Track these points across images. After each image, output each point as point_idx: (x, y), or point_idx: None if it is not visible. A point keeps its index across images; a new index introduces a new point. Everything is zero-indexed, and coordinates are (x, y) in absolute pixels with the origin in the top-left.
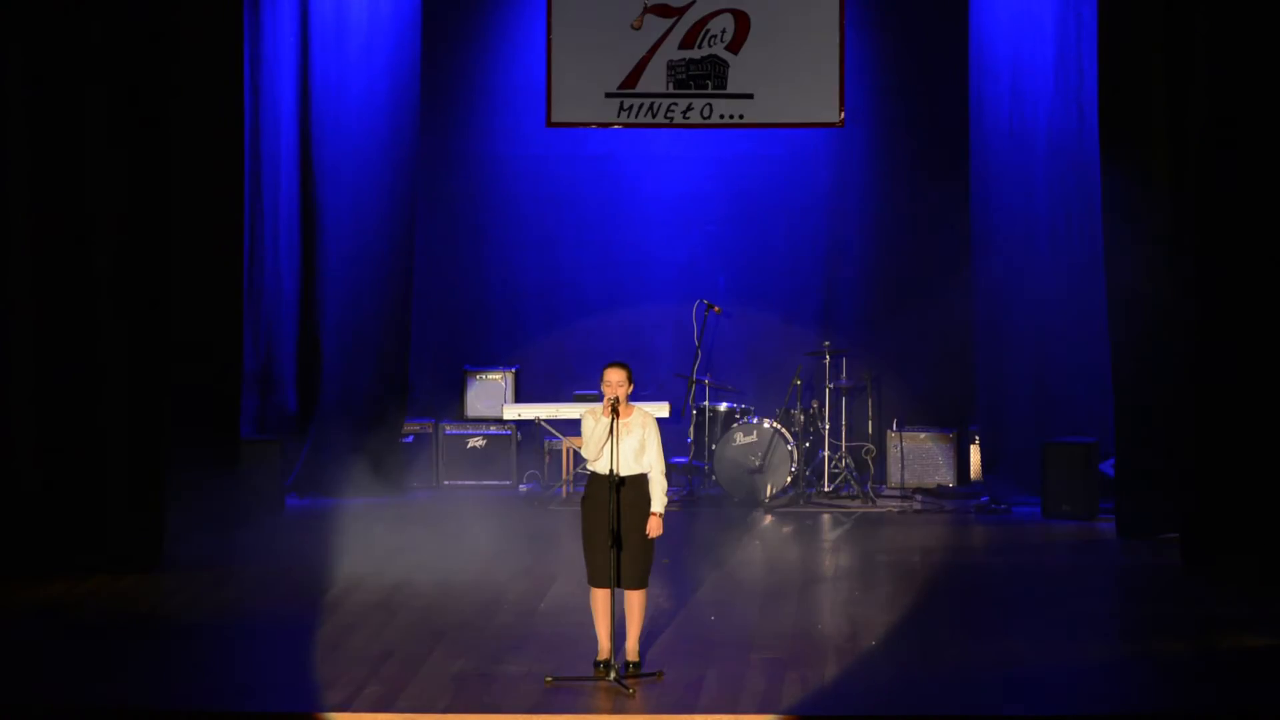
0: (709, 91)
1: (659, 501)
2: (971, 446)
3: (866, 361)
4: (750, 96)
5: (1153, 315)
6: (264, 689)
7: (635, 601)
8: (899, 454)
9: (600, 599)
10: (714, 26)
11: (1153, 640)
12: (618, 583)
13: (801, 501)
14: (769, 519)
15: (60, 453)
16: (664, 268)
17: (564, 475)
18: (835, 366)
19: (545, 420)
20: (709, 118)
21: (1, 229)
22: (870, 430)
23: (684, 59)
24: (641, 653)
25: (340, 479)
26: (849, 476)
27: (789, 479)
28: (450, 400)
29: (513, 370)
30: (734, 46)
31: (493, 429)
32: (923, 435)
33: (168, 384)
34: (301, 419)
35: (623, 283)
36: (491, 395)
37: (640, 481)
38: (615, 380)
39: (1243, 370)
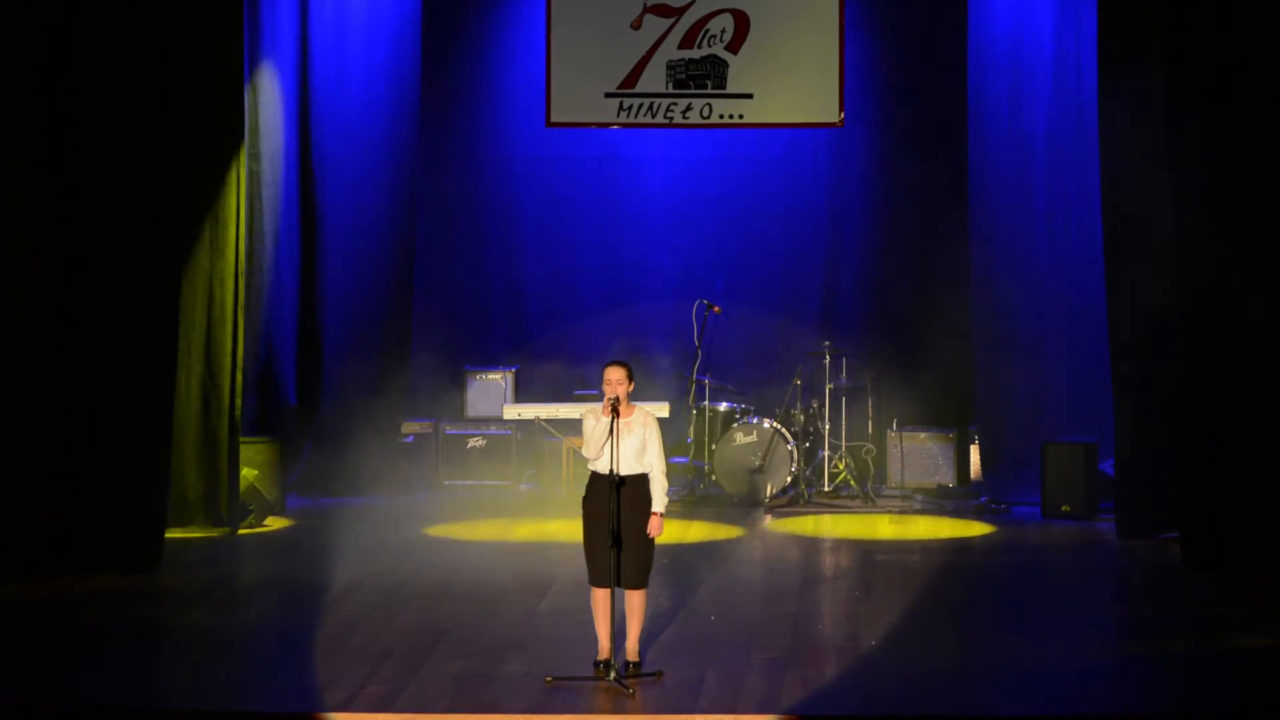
0: (709, 91)
1: (660, 501)
2: (971, 446)
3: (866, 362)
4: (750, 96)
5: (1153, 314)
6: (264, 689)
7: (636, 601)
8: (899, 454)
9: (600, 599)
10: (714, 26)
11: (1153, 640)
12: (618, 582)
13: (801, 501)
14: (769, 519)
15: (60, 452)
16: (664, 268)
17: (563, 475)
18: (835, 366)
19: (545, 420)
20: (709, 118)
21: (1, 228)
22: (870, 430)
23: (683, 59)
24: (641, 653)
25: (340, 479)
26: (849, 476)
27: (789, 479)
28: (450, 400)
29: (513, 370)
30: (734, 46)
31: (493, 429)
32: (923, 435)
33: (168, 384)
34: (302, 419)
35: (623, 283)
36: (491, 395)
37: (641, 481)
38: (616, 379)
39: (1243, 370)
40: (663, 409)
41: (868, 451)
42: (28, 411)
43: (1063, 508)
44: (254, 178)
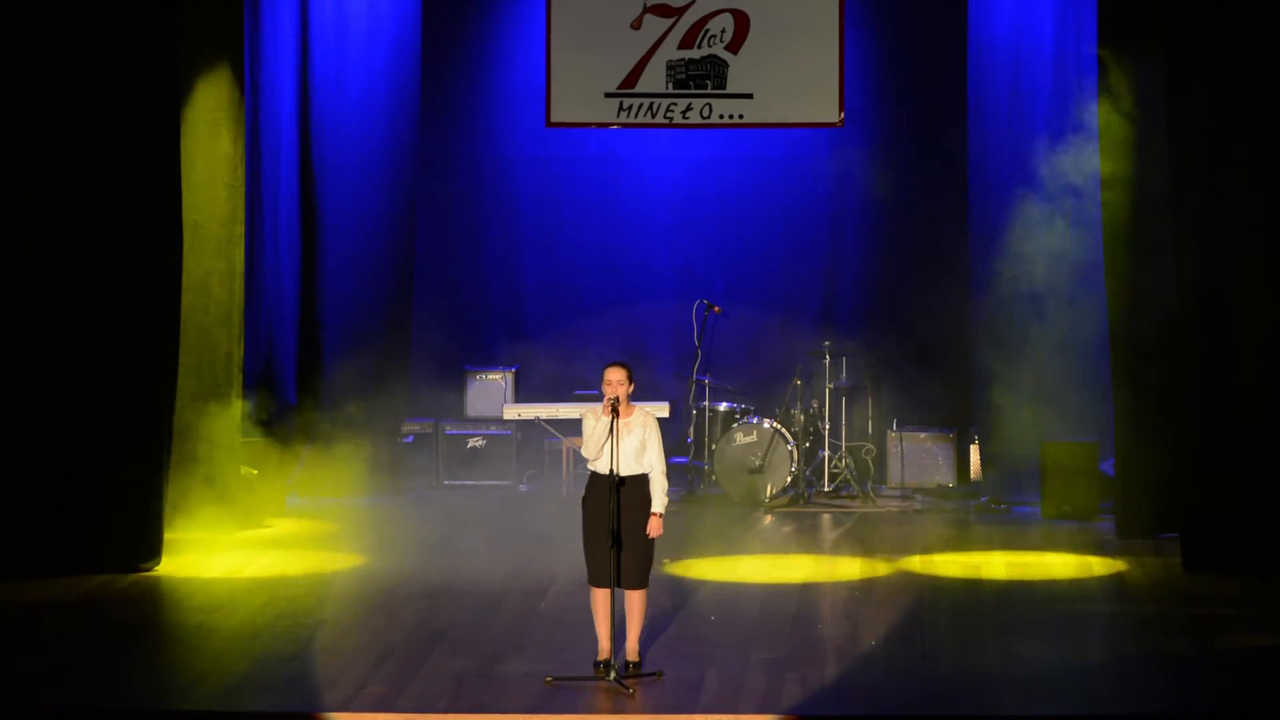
0: (708, 91)
1: (659, 502)
2: (971, 446)
3: (866, 361)
4: (750, 96)
5: (1153, 314)
6: (264, 689)
7: (635, 601)
8: (899, 454)
9: (600, 599)
10: (714, 26)
11: (1153, 640)
12: (618, 582)
13: (801, 501)
14: (769, 519)
15: (61, 452)
16: (664, 268)
17: (563, 475)
18: (835, 366)
19: (545, 420)
20: (708, 118)
21: (2, 228)
22: (870, 430)
23: (683, 59)
24: (641, 653)
25: (340, 479)
26: (849, 476)
27: (789, 479)
28: (450, 400)
29: (513, 370)
30: (733, 46)
31: (493, 429)
32: (923, 435)
33: (169, 384)
34: (302, 419)
35: (623, 283)
36: (491, 395)
37: (641, 481)
38: (615, 380)
39: (1243, 369)
40: (663, 409)
41: (868, 451)
42: (27, 410)
43: (1063, 508)
44: (254, 178)
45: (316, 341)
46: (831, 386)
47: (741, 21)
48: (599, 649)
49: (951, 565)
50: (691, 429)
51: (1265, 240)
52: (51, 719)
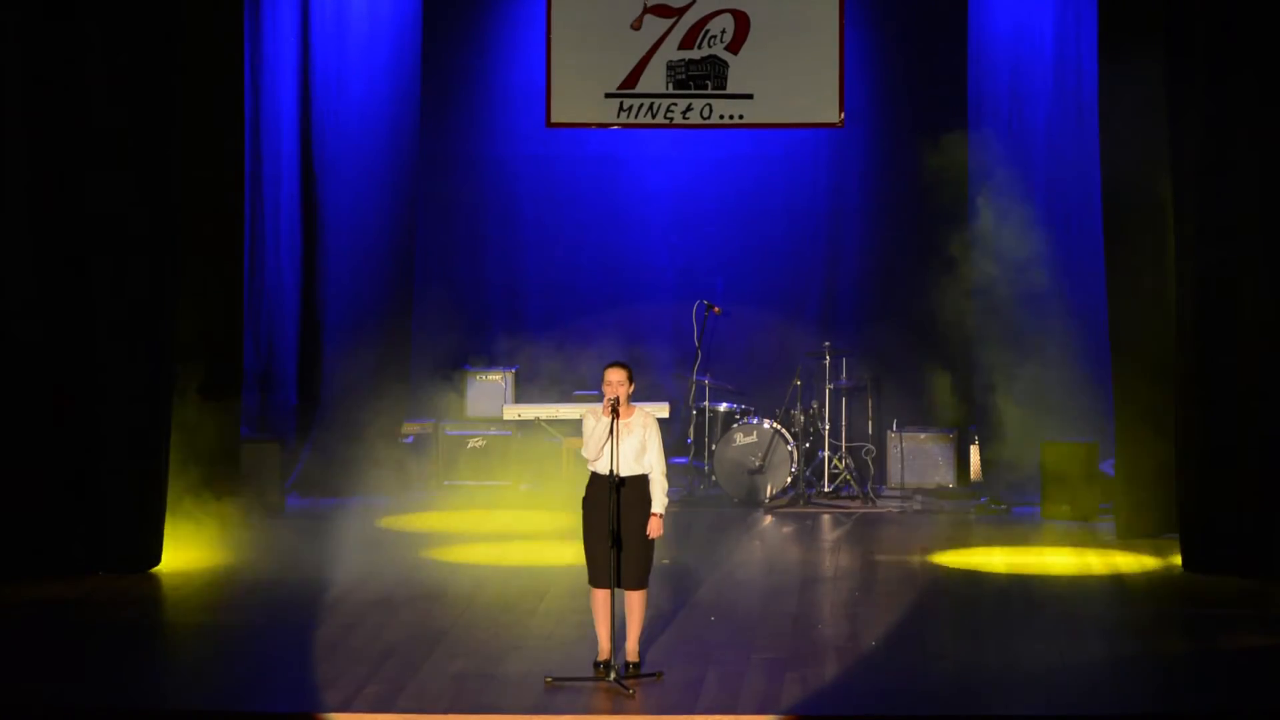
0: (709, 92)
1: (659, 502)
2: (971, 446)
3: (866, 361)
4: (750, 97)
5: (1153, 314)
6: (264, 689)
7: (635, 602)
8: (899, 454)
9: (600, 599)
10: (714, 27)
11: (1153, 640)
12: (618, 583)
13: (801, 502)
14: (769, 519)
15: (61, 452)
16: (664, 268)
17: (563, 475)
18: (835, 366)
19: (545, 420)
20: (709, 118)
21: (3, 227)
22: (870, 430)
23: (684, 59)
24: (641, 653)
25: (340, 479)
26: (849, 476)
27: (789, 479)
28: (450, 400)
29: (513, 370)
30: (734, 47)
31: (493, 429)
32: (923, 435)
33: (168, 383)
34: (302, 419)
35: (623, 283)
36: (491, 395)
37: (641, 482)
38: (616, 380)
39: (1243, 369)
40: (663, 409)
41: (868, 451)
42: (27, 409)
43: (1063, 508)
44: (255, 178)
45: (317, 341)
46: (831, 386)
47: (741, 22)
48: (599, 649)
49: (955, 564)
50: (691, 429)
51: (1266, 239)
52: (52, 719)
